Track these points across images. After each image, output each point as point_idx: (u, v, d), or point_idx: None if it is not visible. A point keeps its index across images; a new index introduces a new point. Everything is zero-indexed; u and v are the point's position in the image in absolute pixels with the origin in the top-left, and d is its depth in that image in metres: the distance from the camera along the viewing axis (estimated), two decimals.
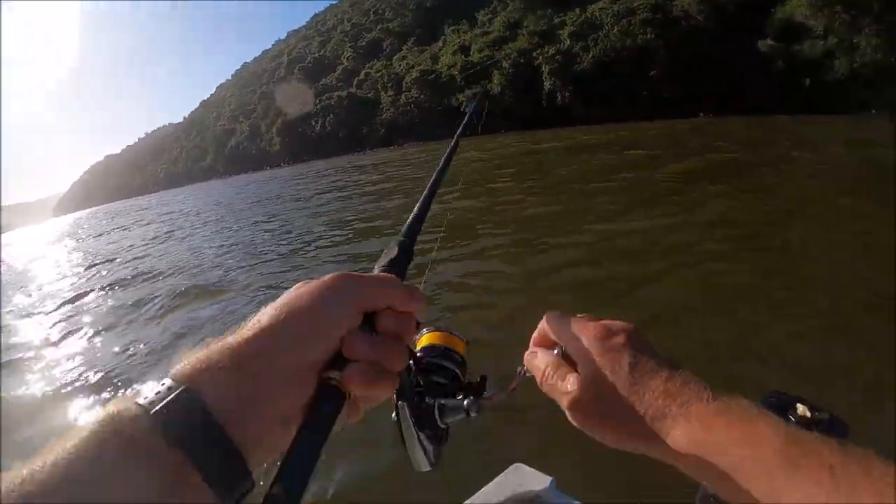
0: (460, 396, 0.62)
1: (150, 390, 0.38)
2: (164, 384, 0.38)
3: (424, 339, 0.72)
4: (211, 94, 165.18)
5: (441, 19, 67.73)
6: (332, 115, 70.47)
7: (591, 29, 41.33)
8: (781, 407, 0.88)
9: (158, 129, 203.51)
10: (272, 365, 0.41)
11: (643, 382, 0.50)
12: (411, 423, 0.60)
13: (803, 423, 0.83)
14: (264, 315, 0.43)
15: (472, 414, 0.60)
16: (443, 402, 0.62)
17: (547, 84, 43.15)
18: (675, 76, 36.56)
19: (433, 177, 0.71)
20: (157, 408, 0.36)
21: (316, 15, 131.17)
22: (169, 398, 0.37)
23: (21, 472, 0.31)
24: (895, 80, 28.28)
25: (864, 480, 0.34)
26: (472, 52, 53.38)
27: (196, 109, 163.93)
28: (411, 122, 56.09)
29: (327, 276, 0.46)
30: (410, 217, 0.61)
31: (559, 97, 42.55)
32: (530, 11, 48.67)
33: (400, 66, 65.01)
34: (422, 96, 55.44)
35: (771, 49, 33.46)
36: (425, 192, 0.66)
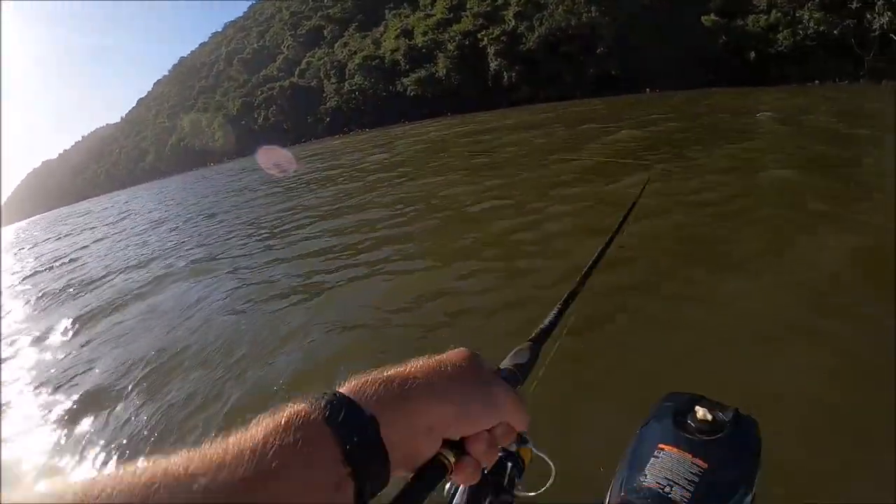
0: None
1: (331, 405, 0.41)
2: (347, 402, 0.42)
3: None
4: (148, 91, 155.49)
5: (382, 4, 64.54)
6: (274, 107, 66.48)
7: (535, 9, 39.67)
8: (679, 412, 0.87)
9: (96, 130, 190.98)
10: (432, 430, 0.46)
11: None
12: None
13: (705, 428, 0.85)
14: (440, 379, 0.49)
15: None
16: (496, 499, 0.62)
17: (493, 65, 41.36)
18: (620, 53, 35.50)
19: (567, 292, 0.76)
20: (346, 432, 0.40)
21: (253, 5, 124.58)
22: (356, 423, 0.41)
23: (207, 450, 0.35)
24: (836, 52, 28.28)
25: None
26: (415, 36, 50.77)
27: (134, 108, 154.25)
28: (357, 108, 53.20)
29: (500, 383, 0.54)
30: (544, 323, 0.66)
31: (506, 78, 40.86)
32: None
33: (342, 52, 61.69)
34: (366, 82, 52.56)
35: (714, 24, 32.79)
36: (559, 305, 0.71)
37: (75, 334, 6.39)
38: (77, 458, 3.46)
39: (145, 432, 3.53)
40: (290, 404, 0.41)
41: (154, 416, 3.70)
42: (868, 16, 27.08)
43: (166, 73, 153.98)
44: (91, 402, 4.21)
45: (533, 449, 0.64)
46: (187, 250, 10.15)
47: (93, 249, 14.87)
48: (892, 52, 26.41)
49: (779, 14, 30.48)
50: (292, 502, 0.36)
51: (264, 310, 5.41)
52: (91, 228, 23.10)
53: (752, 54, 31.58)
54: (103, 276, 9.64)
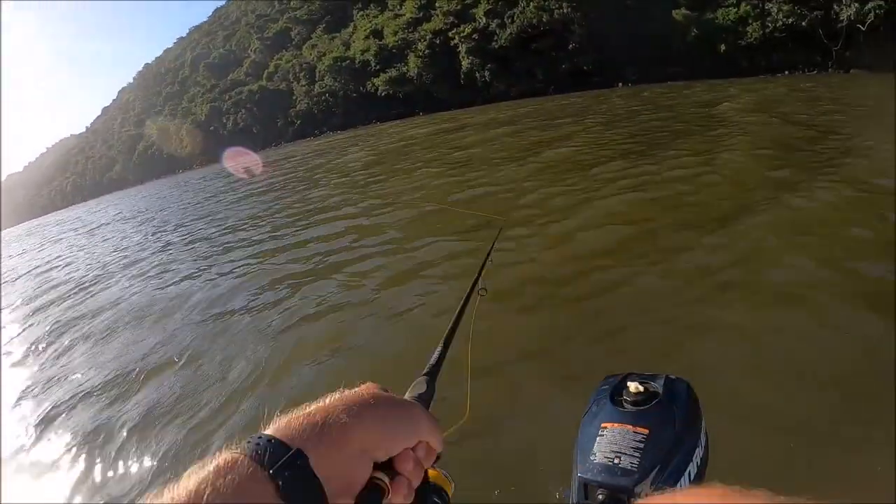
0: None
1: (257, 445, 0.42)
2: (272, 441, 0.43)
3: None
4: (113, 100, 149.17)
5: (350, 5, 62.54)
6: (243, 111, 63.82)
7: (506, 6, 38.44)
8: (615, 391, 0.94)
9: (60, 141, 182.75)
10: (362, 454, 0.48)
11: None
12: None
13: (640, 399, 0.91)
14: (359, 405, 0.50)
15: None
16: None
17: (465, 63, 40.11)
18: (593, 48, 34.70)
19: (448, 328, 0.77)
20: (276, 468, 0.40)
21: (218, 9, 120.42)
22: (284, 459, 0.41)
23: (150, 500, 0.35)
24: (804, 43, 28.11)
25: None
26: (385, 36, 49.12)
27: (99, 117, 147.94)
28: (328, 110, 51.27)
29: (415, 404, 0.57)
30: (433, 359, 0.70)
31: (478, 76, 39.68)
32: None
33: (311, 54, 59.43)
34: (336, 84, 50.66)
35: (685, 18, 32.26)
36: (443, 339, 0.75)
37: None
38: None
39: None
40: (216, 454, 0.41)
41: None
42: (835, 7, 26.79)
43: (131, 80, 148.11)
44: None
45: (446, 475, 0.66)
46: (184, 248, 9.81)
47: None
48: (859, 43, 26.20)
49: (748, 7, 30.12)
50: None
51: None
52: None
53: (723, 47, 31.20)
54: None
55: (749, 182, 6.50)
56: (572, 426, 0.97)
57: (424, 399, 0.63)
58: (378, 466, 0.50)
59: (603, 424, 0.88)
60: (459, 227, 6.51)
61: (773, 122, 11.08)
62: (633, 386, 0.89)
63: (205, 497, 0.35)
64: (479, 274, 0.99)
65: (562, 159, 10.14)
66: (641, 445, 0.82)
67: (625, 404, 0.91)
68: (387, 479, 0.49)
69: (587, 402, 0.96)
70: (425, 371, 0.67)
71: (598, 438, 0.86)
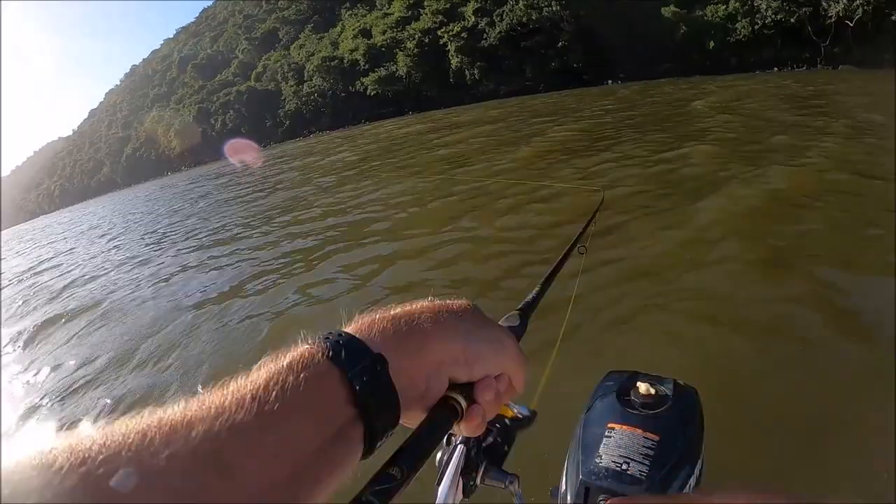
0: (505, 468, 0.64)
1: (336, 343, 0.39)
2: (353, 341, 0.40)
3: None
4: (100, 102, 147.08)
5: (338, 4, 61.83)
6: (232, 112, 62.87)
7: (495, 4, 38.04)
8: (622, 390, 0.90)
9: (47, 144, 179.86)
10: (440, 367, 0.45)
11: None
12: (456, 466, 0.60)
13: (651, 402, 0.88)
14: (448, 316, 0.47)
15: (511, 489, 0.62)
16: (491, 466, 0.63)
17: (454, 62, 39.65)
18: (582, 46, 34.41)
19: (547, 272, 0.78)
20: (354, 372, 0.38)
21: (205, 10, 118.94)
22: (364, 363, 0.39)
23: (204, 398, 0.33)
24: (793, 39, 28.01)
25: None
26: (373, 35, 48.51)
27: (86, 119, 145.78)
28: (317, 110, 50.57)
29: (505, 330, 0.54)
30: (530, 296, 0.69)
31: (468, 74, 39.23)
32: None
33: (299, 54, 58.68)
34: (325, 84, 49.99)
35: (674, 15, 32.09)
36: (541, 281, 0.74)
37: None
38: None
39: None
40: (293, 346, 0.39)
41: None
42: (823, 4, 26.71)
43: (118, 82, 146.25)
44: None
45: (516, 409, 0.65)
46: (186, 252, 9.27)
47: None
48: (847, 39, 26.11)
49: (737, 3, 29.97)
50: (298, 447, 0.34)
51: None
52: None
53: (712, 43, 31.04)
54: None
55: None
56: (568, 418, 0.90)
57: (516, 332, 0.59)
58: (456, 387, 0.47)
59: (610, 424, 0.83)
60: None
61: (733, 119, 11.39)
62: (643, 387, 0.84)
63: (273, 393, 0.34)
64: (583, 231, 0.96)
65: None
66: (651, 452, 0.78)
67: (634, 405, 0.86)
68: (463, 403, 0.46)
69: (589, 397, 0.90)
70: (520, 306, 0.65)
71: (604, 439, 0.82)
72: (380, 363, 0.39)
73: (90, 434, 0.28)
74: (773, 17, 28.62)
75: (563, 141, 11.84)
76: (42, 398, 4.47)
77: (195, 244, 9.87)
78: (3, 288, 11.78)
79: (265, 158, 30.09)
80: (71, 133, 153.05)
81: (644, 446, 0.79)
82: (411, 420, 0.44)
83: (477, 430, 0.49)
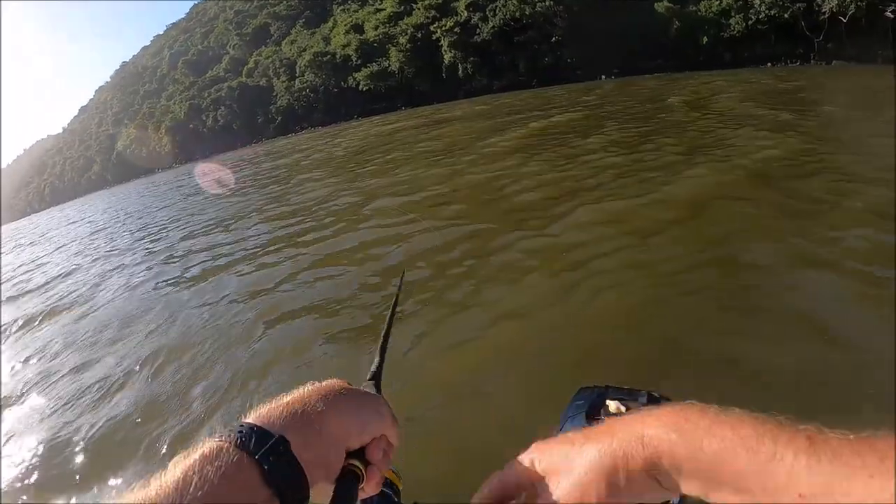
0: None
1: (241, 433, 0.43)
2: (255, 429, 0.44)
3: None
4: (90, 99, 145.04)
5: (329, 0, 61.03)
6: (223, 108, 61.91)
7: (488, 0, 37.52)
8: (591, 410, 0.86)
9: (37, 142, 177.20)
10: (338, 441, 0.50)
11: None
12: None
13: None
14: (334, 395, 0.52)
15: None
16: None
17: (447, 57, 39.12)
18: (576, 41, 33.97)
19: (386, 324, 0.79)
20: (260, 454, 0.41)
21: (196, 5, 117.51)
22: (268, 445, 0.42)
23: (130, 496, 0.35)
24: (787, 35, 27.77)
25: (841, 444, 0.34)
26: (366, 31, 47.82)
27: (76, 117, 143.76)
28: (309, 106, 49.83)
29: (381, 398, 0.59)
30: (374, 366, 0.70)
31: (461, 69, 38.72)
32: None
33: (290, 50, 57.81)
34: (317, 79, 49.25)
35: (668, 10, 31.69)
36: (379, 348, 0.75)
37: None
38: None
39: None
40: (201, 443, 0.41)
41: None
42: (817, 0, 26.45)
43: (108, 79, 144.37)
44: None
45: (392, 469, 0.67)
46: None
47: None
48: (840, 34, 25.90)
49: None
50: None
51: None
52: None
53: (705, 39, 30.70)
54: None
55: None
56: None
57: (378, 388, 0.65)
58: (352, 455, 0.51)
59: None
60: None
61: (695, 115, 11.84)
62: (612, 405, 0.79)
63: (192, 484, 0.36)
64: (396, 300, 0.92)
65: None
66: None
67: None
68: (362, 466, 0.51)
69: (559, 419, 0.84)
70: (369, 377, 0.67)
71: None
72: (283, 443, 0.43)
73: None
74: (766, 12, 28.34)
75: None
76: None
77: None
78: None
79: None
80: (61, 131, 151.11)
81: None
82: (319, 494, 0.47)
83: (377, 488, 0.53)
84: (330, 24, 56.76)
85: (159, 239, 11.14)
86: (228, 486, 0.37)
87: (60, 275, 10.25)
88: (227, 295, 5.74)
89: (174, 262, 8.29)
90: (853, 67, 22.80)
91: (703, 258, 4.13)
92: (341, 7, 57.33)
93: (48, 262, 12.84)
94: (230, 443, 0.41)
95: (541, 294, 3.97)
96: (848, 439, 0.34)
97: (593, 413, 0.81)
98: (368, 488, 0.52)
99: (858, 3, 24.65)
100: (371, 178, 11.11)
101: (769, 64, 28.21)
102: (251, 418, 0.46)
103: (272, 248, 7.30)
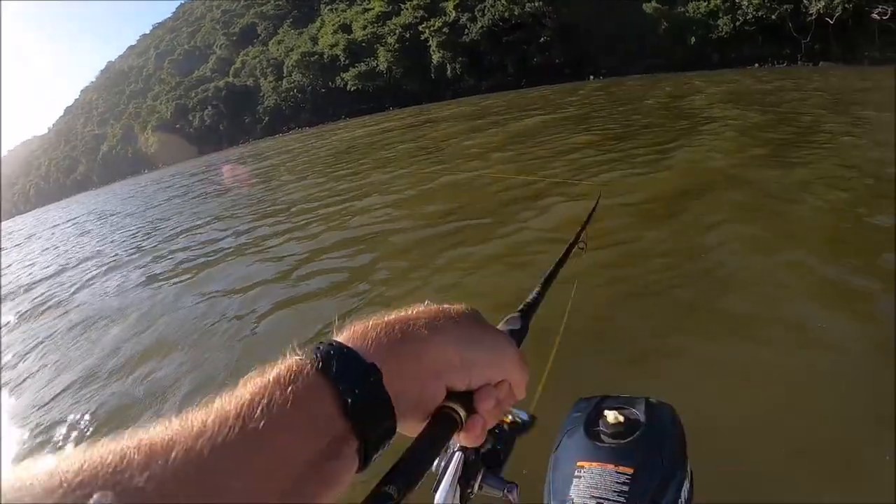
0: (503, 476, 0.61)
1: (327, 354, 0.37)
2: (345, 352, 0.38)
3: None
4: (76, 100, 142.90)
5: (317, 0, 60.39)
6: (210, 108, 61.05)
7: (476, 0, 37.19)
8: (589, 421, 0.85)
9: (22, 143, 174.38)
10: (438, 375, 0.43)
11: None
12: (454, 474, 0.57)
13: (620, 430, 0.82)
14: (444, 321, 0.45)
15: (510, 497, 0.58)
16: (489, 473, 0.59)
17: (436, 57, 38.73)
18: (564, 42, 33.77)
19: (548, 272, 0.76)
20: (345, 384, 0.35)
21: (182, 5, 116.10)
22: (356, 373, 0.37)
23: (186, 418, 0.31)
24: (774, 36, 27.74)
25: None
26: (354, 31, 47.29)
27: (61, 117, 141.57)
28: (297, 106, 49.22)
29: (505, 336, 0.51)
30: (530, 297, 0.66)
31: (449, 69, 38.36)
32: None
33: (278, 50, 57.11)
34: (305, 79, 48.63)
35: (656, 11, 31.57)
36: (541, 281, 0.72)
37: None
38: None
39: None
40: (281, 359, 0.37)
41: None
42: (804, 1, 26.42)
43: (93, 79, 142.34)
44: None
45: (517, 413, 0.62)
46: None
47: None
48: (827, 36, 25.92)
49: (718, 0, 29.57)
50: (286, 465, 0.31)
51: None
52: None
53: (693, 40, 30.62)
54: None
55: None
56: (540, 459, 0.83)
57: (516, 336, 0.57)
58: (454, 397, 0.44)
59: (579, 463, 0.77)
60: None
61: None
62: (611, 416, 0.78)
63: (259, 409, 0.32)
64: (582, 229, 0.93)
65: None
66: (626, 488, 0.73)
67: (603, 437, 0.80)
68: (463, 413, 0.43)
69: (557, 432, 0.84)
70: (521, 307, 0.62)
71: (574, 480, 0.76)
72: (373, 373, 0.37)
73: (68, 456, 0.27)
74: (754, 13, 28.32)
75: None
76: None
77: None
78: None
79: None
80: (46, 131, 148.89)
81: (617, 482, 0.72)
82: (408, 429, 0.42)
83: (477, 441, 0.46)
84: (318, 23, 56.16)
85: (149, 238, 11.09)
86: (300, 416, 0.33)
87: (45, 276, 10.22)
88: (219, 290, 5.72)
89: (162, 260, 8.21)
90: (839, 68, 22.75)
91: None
92: (329, 7, 56.74)
93: (34, 263, 12.83)
94: (312, 364, 0.35)
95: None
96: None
97: (592, 424, 0.80)
98: (465, 439, 0.45)
99: (845, 5, 24.63)
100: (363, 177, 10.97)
101: (756, 65, 28.18)
102: (342, 336, 0.40)
103: (264, 243, 7.30)
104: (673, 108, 13.33)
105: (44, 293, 8.57)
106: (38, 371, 4.94)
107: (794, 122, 8.99)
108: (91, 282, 8.28)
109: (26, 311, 7.57)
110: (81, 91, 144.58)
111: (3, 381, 4.93)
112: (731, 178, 5.89)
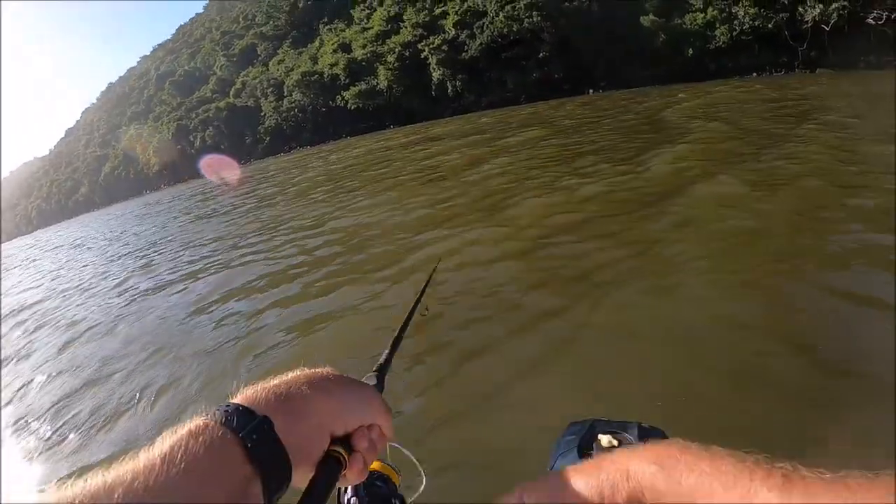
0: None
1: (226, 412, 0.44)
2: (240, 409, 0.45)
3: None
4: (77, 121, 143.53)
5: (315, 20, 60.76)
6: (211, 129, 61.24)
7: (475, 17, 37.31)
8: (582, 446, 0.84)
9: (24, 164, 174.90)
10: (321, 425, 0.50)
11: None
12: None
13: None
14: (320, 380, 0.52)
15: None
16: None
17: (435, 75, 38.89)
18: (563, 56, 33.94)
19: (405, 318, 0.83)
20: (244, 432, 0.42)
21: (182, 27, 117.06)
22: (252, 424, 0.43)
23: (118, 468, 0.36)
24: (771, 44, 27.89)
25: (815, 482, 0.36)
26: (353, 50, 47.55)
27: (62, 139, 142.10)
28: (297, 125, 49.36)
29: (370, 386, 0.59)
30: (382, 358, 0.70)
31: (450, 87, 38.52)
32: (409, 4, 43.75)
33: (278, 70, 57.38)
34: (305, 99, 48.81)
35: (653, 24, 31.75)
36: (391, 341, 0.75)
37: None
38: None
39: None
40: (188, 421, 0.43)
41: None
42: (800, 9, 26.57)
43: (94, 100, 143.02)
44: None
45: (404, 450, 0.68)
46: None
47: None
48: (823, 43, 26.06)
49: (715, 11, 29.76)
50: (206, 502, 0.37)
51: None
52: None
53: (690, 51, 30.78)
54: None
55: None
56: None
57: (378, 387, 0.64)
58: (336, 441, 0.51)
59: None
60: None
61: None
62: (605, 440, 0.78)
63: (178, 457, 0.37)
64: (421, 294, 0.96)
65: None
66: None
67: None
68: (345, 453, 0.51)
69: (550, 454, 0.83)
70: (375, 368, 0.67)
71: None
72: (266, 423, 0.44)
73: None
74: (750, 23, 28.46)
75: None
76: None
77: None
78: None
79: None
80: (48, 153, 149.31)
81: None
82: (302, 478, 0.48)
83: (361, 476, 0.54)
84: (317, 43, 56.46)
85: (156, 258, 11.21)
86: (211, 461, 0.39)
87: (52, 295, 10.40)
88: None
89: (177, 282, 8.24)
90: (837, 74, 22.91)
91: None
92: (328, 27, 57.10)
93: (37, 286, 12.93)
94: (216, 420, 0.42)
95: None
96: (822, 477, 0.36)
97: (586, 448, 0.79)
98: (351, 476, 0.52)
99: (840, 12, 24.81)
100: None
101: (754, 74, 28.32)
102: (237, 398, 0.47)
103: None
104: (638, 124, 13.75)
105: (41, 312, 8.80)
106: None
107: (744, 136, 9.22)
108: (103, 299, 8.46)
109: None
110: (83, 112, 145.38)
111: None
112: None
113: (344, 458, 0.50)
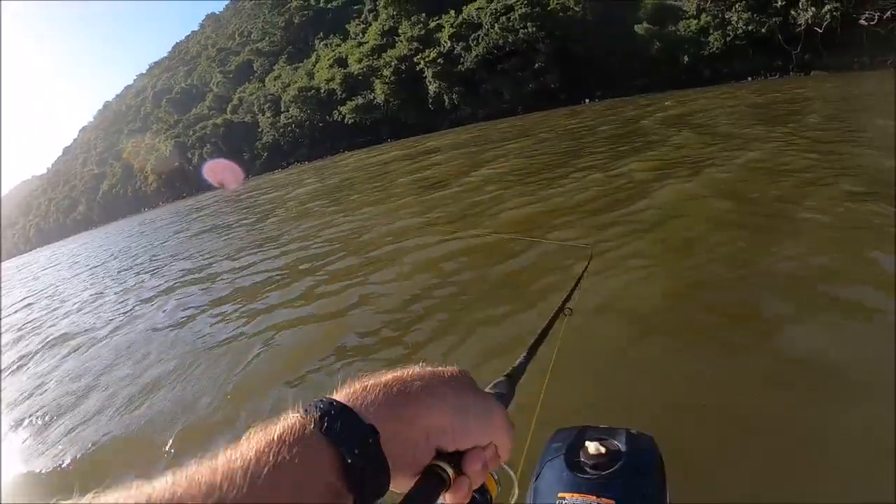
0: None
1: (327, 414, 0.38)
2: (344, 412, 0.39)
3: None
4: (74, 139, 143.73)
5: (311, 35, 61.03)
6: (209, 145, 61.22)
7: (470, 29, 37.46)
8: (570, 451, 0.82)
9: (22, 183, 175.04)
10: (430, 437, 0.45)
11: None
12: None
13: (601, 461, 0.81)
14: (439, 385, 0.47)
15: None
16: None
17: (432, 88, 38.97)
18: (558, 66, 34.05)
19: (535, 338, 0.75)
20: (345, 447, 0.37)
21: (177, 44, 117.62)
22: (353, 433, 0.38)
23: (202, 464, 0.32)
24: (765, 49, 28.01)
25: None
26: (349, 64, 47.69)
27: (60, 157, 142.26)
28: (295, 141, 49.37)
29: (496, 401, 0.52)
30: (517, 362, 0.67)
31: (446, 99, 38.58)
32: (404, 17, 43.92)
33: (274, 85, 57.51)
34: (302, 114, 48.86)
35: (647, 32, 31.92)
36: (528, 347, 0.72)
37: None
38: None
39: None
40: (282, 416, 0.38)
41: None
42: (792, 12, 26.72)
43: (91, 119, 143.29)
44: None
45: (506, 468, 0.62)
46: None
47: None
48: (817, 45, 26.19)
49: (708, 17, 29.94)
50: None
51: None
52: None
53: (686, 58, 30.92)
54: None
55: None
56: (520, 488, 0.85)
57: (503, 400, 0.58)
58: (443, 456, 0.46)
59: (560, 495, 0.75)
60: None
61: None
62: (591, 447, 0.76)
63: (264, 469, 0.33)
64: (570, 293, 0.91)
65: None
66: None
67: (584, 469, 0.79)
68: (451, 472, 0.45)
69: (537, 462, 0.79)
70: (507, 372, 0.63)
71: None
72: (372, 435, 0.39)
73: None
74: (744, 28, 28.65)
75: None
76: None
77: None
78: None
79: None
80: (45, 171, 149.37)
81: None
82: (399, 486, 0.43)
83: (464, 500, 0.47)
84: (313, 58, 56.64)
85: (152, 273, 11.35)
86: (303, 475, 0.34)
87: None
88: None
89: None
90: (831, 76, 23.03)
91: None
92: (324, 42, 57.31)
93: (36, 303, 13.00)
94: (313, 425, 0.37)
95: None
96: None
97: (573, 455, 0.78)
98: (451, 498, 0.46)
99: (833, 14, 24.93)
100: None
101: (749, 78, 28.43)
102: (342, 395, 0.42)
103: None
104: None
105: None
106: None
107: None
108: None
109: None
110: (80, 131, 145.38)
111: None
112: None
113: (449, 477, 0.44)
